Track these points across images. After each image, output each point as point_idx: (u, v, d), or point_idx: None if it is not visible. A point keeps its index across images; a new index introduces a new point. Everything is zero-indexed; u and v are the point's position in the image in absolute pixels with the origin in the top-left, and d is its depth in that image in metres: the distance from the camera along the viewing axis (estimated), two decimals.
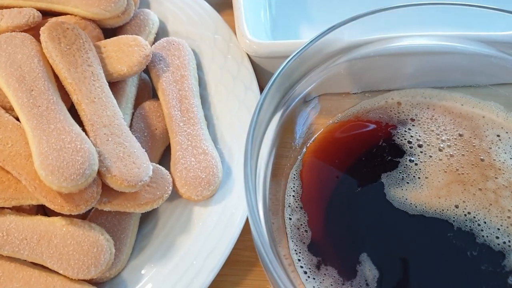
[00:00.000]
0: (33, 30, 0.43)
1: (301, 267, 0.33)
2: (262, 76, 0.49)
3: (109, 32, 0.47)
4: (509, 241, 0.33)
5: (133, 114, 0.45)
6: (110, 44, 0.45)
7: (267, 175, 0.35)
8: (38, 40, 0.42)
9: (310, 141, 0.39)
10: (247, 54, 0.48)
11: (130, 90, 0.45)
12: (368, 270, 0.32)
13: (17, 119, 0.39)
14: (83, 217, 0.39)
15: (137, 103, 0.46)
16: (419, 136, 0.38)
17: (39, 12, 0.45)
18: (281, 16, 0.55)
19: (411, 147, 0.37)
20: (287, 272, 0.32)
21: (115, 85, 0.44)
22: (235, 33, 0.47)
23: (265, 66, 0.48)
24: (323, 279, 0.32)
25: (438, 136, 0.38)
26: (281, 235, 0.35)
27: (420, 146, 0.37)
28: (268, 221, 0.32)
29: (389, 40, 0.39)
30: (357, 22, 0.36)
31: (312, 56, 0.36)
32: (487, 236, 0.33)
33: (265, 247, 0.27)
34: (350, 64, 0.39)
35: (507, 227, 0.33)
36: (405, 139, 0.38)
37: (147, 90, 0.48)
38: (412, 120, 0.39)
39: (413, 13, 0.37)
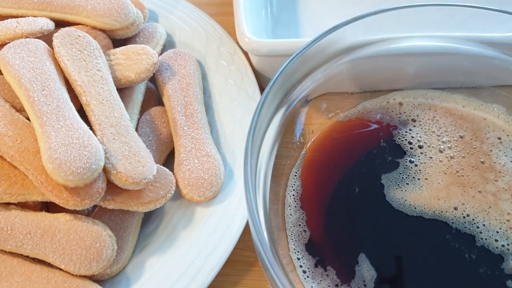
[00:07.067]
0: (45, 38, 0.44)
1: (300, 266, 0.33)
2: (262, 76, 0.49)
3: (118, 43, 0.49)
4: (508, 244, 0.33)
5: (139, 120, 0.46)
6: (119, 52, 0.46)
7: (268, 174, 0.35)
8: (51, 47, 0.43)
9: (311, 141, 0.39)
10: (247, 55, 0.48)
11: (137, 97, 0.46)
12: (366, 270, 0.32)
13: (28, 119, 0.40)
14: (87, 215, 0.39)
15: (143, 110, 0.47)
16: (420, 137, 0.38)
17: (52, 21, 0.46)
18: (282, 15, 0.55)
19: (411, 148, 0.37)
20: (285, 271, 0.32)
21: (122, 91, 0.45)
22: (236, 32, 0.47)
23: (265, 65, 0.48)
24: (322, 279, 0.32)
25: (439, 138, 0.38)
26: (281, 234, 0.35)
27: (420, 147, 0.37)
28: (267, 221, 0.32)
29: (392, 41, 0.38)
30: (360, 22, 0.36)
31: (314, 55, 0.36)
32: (486, 239, 0.33)
33: (264, 246, 0.27)
34: (353, 64, 0.38)
35: (506, 230, 0.33)
36: (405, 139, 0.38)
37: (153, 99, 0.49)
38: (413, 120, 0.39)
39: (415, 14, 0.36)
